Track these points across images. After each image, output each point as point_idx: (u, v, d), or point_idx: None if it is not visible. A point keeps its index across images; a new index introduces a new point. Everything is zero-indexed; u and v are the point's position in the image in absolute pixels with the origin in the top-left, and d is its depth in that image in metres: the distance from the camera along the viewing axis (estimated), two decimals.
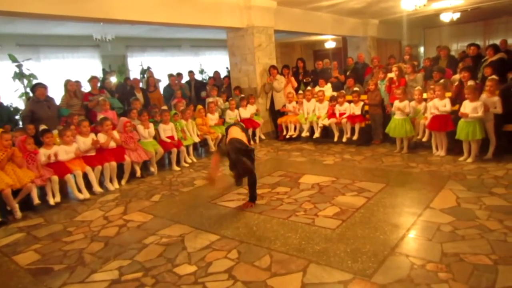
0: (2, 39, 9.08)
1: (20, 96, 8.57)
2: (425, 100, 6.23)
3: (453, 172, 5.03)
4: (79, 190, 5.07)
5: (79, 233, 3.98)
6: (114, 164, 5.51)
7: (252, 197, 4.38)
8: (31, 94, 6.84)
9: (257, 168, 5.99)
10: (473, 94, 5.28)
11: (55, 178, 4.87)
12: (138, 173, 5.91)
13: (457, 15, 11.79)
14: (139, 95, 7.46)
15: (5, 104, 6.79)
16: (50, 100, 6.26)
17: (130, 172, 5.84)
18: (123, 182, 5.68)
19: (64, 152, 5.14)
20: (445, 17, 11.84)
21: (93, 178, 5.27)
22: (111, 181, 5.51)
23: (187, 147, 6.68)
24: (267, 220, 3.91)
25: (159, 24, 7.34)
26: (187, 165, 6.50)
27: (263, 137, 8.31)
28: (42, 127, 5.50)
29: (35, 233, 4.06)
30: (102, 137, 5.62)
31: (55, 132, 5.47)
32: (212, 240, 3.52)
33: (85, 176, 5.23)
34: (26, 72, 8.59)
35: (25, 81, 8.55)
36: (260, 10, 8.28)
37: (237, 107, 8.01)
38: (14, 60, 8.42)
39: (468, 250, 2.96)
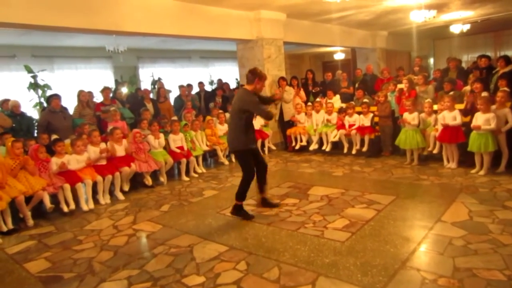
0: (18, 50, 9.33)
1: (35, 106, 8.75)
2: (436, 112, 6.20)
3: (465, 185, 4.97)
4: (86, 200, 5.11)
5: (89, 241, 4.01)
6: (127, 169, 5.58)
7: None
8: (45, 104, 6.97)
9: None
10: (486, 105, 5.24)
11: (67, 186, 4.94)
12: (149, 182, 5.95)
13: (467, 27, 11.75)
14: (149, 106, 7.55)
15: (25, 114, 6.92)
16: (64, 110, 6.38)
17: (139, 181, 5.88)
18: (126, 188, 5.74)
19: (75, 161, 5.22)
20: (455, 29, 11.81)
21: (102, 188, 5.32)
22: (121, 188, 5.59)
23: (196, 157, 6.71)
24: (276, 231, 3.90)
25: (170, 36, 7.47)
26: (196, 175, 6.53)
27: (272, 147, 8.32)
28: (54, 136, 5.59)
29: (46, 241, 4.11)
30: (109, 146, 5.68)
31: (67, 141, 5.55)
32: (220, 251, 3.52)
33: (96, 185, 5.30)
34: (41, 83, 8.78)
35: (40, 91, 8.74)
36: (270, 22, 8.37)
37: None
38: (29, 71, 8.62)
39: (481, 265, 2.91)
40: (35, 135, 6.25)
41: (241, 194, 4.33)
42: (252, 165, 4.30)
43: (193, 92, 9.42)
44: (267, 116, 4.43)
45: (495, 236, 3.38)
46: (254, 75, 4.17)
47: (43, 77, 8.79)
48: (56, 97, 6.21)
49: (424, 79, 7.06)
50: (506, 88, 5.62)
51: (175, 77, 12.00)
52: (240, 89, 4.32)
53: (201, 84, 9.80)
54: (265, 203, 4.62)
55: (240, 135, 4.21)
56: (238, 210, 4.37)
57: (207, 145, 7.10)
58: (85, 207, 5.03)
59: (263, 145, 8.08)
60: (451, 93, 6.23)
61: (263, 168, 4.47)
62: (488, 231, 3.49)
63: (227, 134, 4.59)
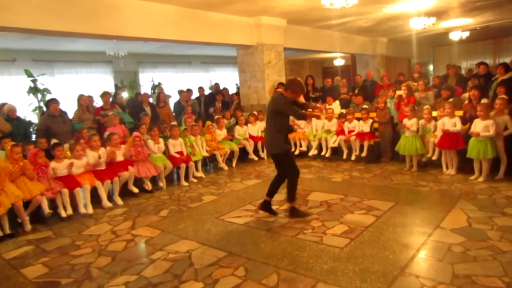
0: (18, 54, 9.36)
1: (34, 110, 8.76)
2: (435, 118, 6.21)
3: (464, 191, 4.97)
4: (85, 205, 5.08)
5: (87, 247, 3.99)
6: (126, 174, 5.57)
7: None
8: (44, 109, 6.96)
9: (265, 184, 6.01)
10: (485, 112, 5.25)
11: (65, 191, 4.92)
12: (149, 187, 5.95)
13: (466, 34, 11.83)
14: (147, 109, 7.56)
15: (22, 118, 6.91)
16: (64, 115, 6.38)
17: (138, 186, 5.88)
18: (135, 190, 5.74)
19: (74, 166, 5.20)
20: (455, 36, 11.88)
21: (103, 193, 5.31)
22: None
23: (195, 162, 6.71)
24: (274, 237, 3.89)
25: (170, 41, 7.50)
26: (195, 180, 6.52)
27: None
28: (54, 141, 5.59)
29: (44, 246, 4.09)
30: (108, 151, 5.67)
31: (66, 146, 5.55)
32: (219, 257, 3.50)
33: (95, 190, 5.28)
34: (41, 87, 8.79)
35: (39, 96, 8.75)
36: (270, 28, 8.41)
37: (246, 123, 8.04)
38: (29, 75, 8.64)
39: (480, 271, 2.90)
40: (33, 139, 6.23)
41: (292, 194, 4.40)
42: (295, 163, 4.43)
43: (193, 97, 9.44)
44: (301, 116, 4.58)
45: (494, 243, 3.38)
46: (289, 86, 4.34)
47: (43, 81, 8.80)
48: (55, 101, 6.21)
49: (424, 85, 7.07)
50: (504, 96, 5.64)
51: (176, 82, 12.03)
52: (275, 93, 4.47)
53: (201, 89, 9.82)
54: (266, 207, 4.52)
55: (277, 137, 4.33)
56: (294, 211, 4.42)
57: (206, 151, 7.10)
58: (83, 210, 5.00)
59: (262, 150, 8.07)
60: (451, 99, 6.24)
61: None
62: (487, 238, 3.48)
63: (266, 137, 4.64)
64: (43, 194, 4.73)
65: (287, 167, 4.40)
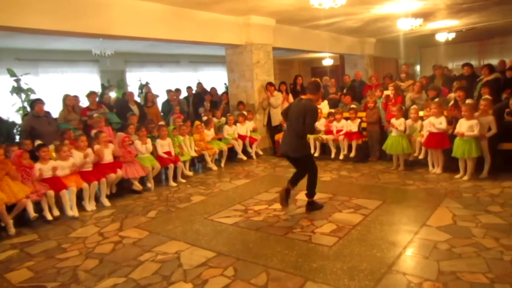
0: (1, 53, 9.15)
1: (18, 111, 8.60)
2: (422, 118, 6.29)
3: (449, 189, 5.04)
4: (71, 207, 5.00)
5: (73, 249, 3.93)
6: (113, 175, 5.51)
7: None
8: (28, 109, 6.83)
9: (254, 184, 6.03)
10: (470, 112, 5.34)
11: (51, 193, 4.83)
12: (139, 187, 5.89)
13: (452, 35, 12.03)
14: (134, 108, 7.49)
15: (4, 118, 6.78)
16: (49, 115, 6.26)
17: (126, 187, 5.82)
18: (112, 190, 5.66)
19: (59, 167, 5.10)
20: (441, 37, 12.06)
21: (88, 195, 5.23)
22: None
23: (184, 162, 6.68)
24: (264, 237, 3.89)
25: (159, 40, 7.43)
26: (184, 181, 6.48)
27: (260, 152, 8.32)
28: (38, 142, 5.48)
29: (29, 250, 4.00)
30: (96, 149, 5.59)
31: (51, 147, 5.45)
32: (208, 257, 3.49)
33: (81, 191, 5.21)
34: (24, 87, 8.63)
35: (23, 96, 8.59)
36: (259, 27, 8.42)
37: (235, 123, 8.04)
38: (12, 74, 8.47)
39: (465, 268, 2.96)
40: (17, 140, 6.10)
41: (313, 191, 4.58)
42: (314, 161, 4.70)
43: (181, 96, 9.39)
44: (313, 131, 4.93)
45: (478, 240, 3.44)
46: (318, 88, 4.48)
47: (26, 81, 8.64)
48: (40, 101, 6.10)
49: (420, 86, 7.13)
50: (488, 96, 5.74)
51: (164, 82, 11.94)
52: (305, 99, 4.44)
53: (189, 88, 9.77)
54: (287, 194, 4.60)
55: (301, 142, 4.52)
56: (312, 205, 4.59)
57: (195, 151, 7.06)
58: (70, 213, 4.91)
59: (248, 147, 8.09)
60: (437, 99, 6.33)
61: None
62: (472, 235, 3.55)
63: (285, 139, 4.64)
64: (28, 197, 4.63)
65: (308, 168, 4.57)
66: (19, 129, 6.71)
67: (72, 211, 4.97)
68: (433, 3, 8.05)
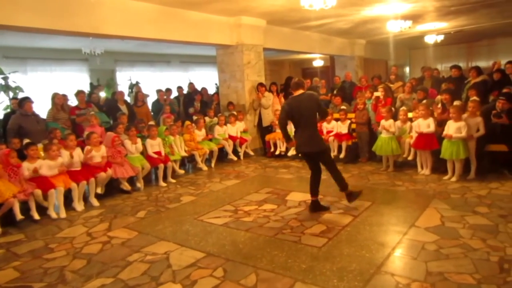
0: None
1: (5, 109, 8.46)
2: (411, 119, 6.36)
3: (437, 191, 5.10)
4: (58, 208, 4.93)
5: (61, 250, 3.88)
6: (103, 175, 5.45)
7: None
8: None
9: (244, 184, 6.03)
10: (458, 114, 5.41)
11: (38, 192, 4.76)
12: (128, 187, 5.84)
13: (441, 37, 12.17)
14: (123, 108, 7.43)
15: None
16: (37, 114, 6.19)
17: (115, 187, 5.76)
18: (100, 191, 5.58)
19: (47, 167, 5.02)
20: (430, 39, 12.20)
21: (76, 195, 5.17)
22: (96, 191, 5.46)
23: (175, 161, 6.65)
24: (253, 237, 3.89)
25: (149, 40, 7.38)
26: (174, 181, 6.45)
27: (251, 153, 8.32)
28: (26, 141, 5.40)
29: (15, 250, 3.94)
30: (87, 151, 5.53)
31: (40, 145, 5.37)
32: (197, 258, 3.48)
33: (69, 191, 5.15)
34: (12, 85, 8.50)
35: (11, 94, 8.46)
36: (250, 28, 8.41)
37: (226, 123, 8.03)
38: (0, 72, 8.34)
39: (452, 269, 2.99)
40: (3, 138, 6.01)
41: (344, 183, 4.53)
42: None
43: (172, 96, 9.34)
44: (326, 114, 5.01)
45: (466, 240, 3.49)
46: (303, 82, 4.53)
47: (14, 79, 8.52)
48: (29, 100, 6.03)
49: (410, 86, 7.19)
50: (476, 98, 5.82)
51: (154, 81, 11.86)
52: (306, 93, 4.42)
53: (180, 88, 9.73)
54: (316, 206, 4.56)
55: (319, 135, 4.56)
56: (352, 195, 4.56)
57: (185, 151, 7.03)
58: (53, 215, 4.82)
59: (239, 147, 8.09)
60: (425, 101, 6.40)
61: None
62: (459, 236, 3.59)
63: (304, 138, 4.41)
64: (15, 196, 4.56)
65: (328, 161, 4.54)
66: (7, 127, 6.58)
67: (60, 212, 4.89)
68: (422, 6, 8.14)
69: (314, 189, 4.55)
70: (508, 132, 5.38)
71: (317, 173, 4.58)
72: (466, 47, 15.20)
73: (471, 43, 14.80)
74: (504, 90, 5.97)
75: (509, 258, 3.10)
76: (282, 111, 4.50)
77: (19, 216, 4.55)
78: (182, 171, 6.86)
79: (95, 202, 5.35)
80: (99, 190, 5.54)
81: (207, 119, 8.08)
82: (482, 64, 12.37)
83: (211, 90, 11.06)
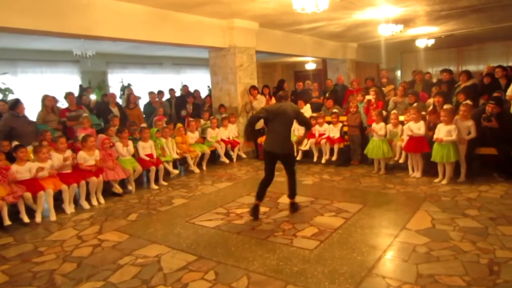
0: None
1: None
2: (402, 122, 6.41)
3: (428, 193, 5.14)
4: (48, 211, 4.87)
5: (50, 253, 3.83)
6: (94, 179, 5.39)
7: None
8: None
9: (236, 187, 6.02)
10: (448, 117, 5.47)
11: (28, 194, 4.70)
12: (119, 190, 5.79)
13: (431, 41, 12.31)
14: (114, 110, 7.38)
15: None
16: (26, 116, 6.13)
17: (107, 190, 5.71)
18: (98, 200, 5.53)
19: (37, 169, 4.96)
20: (421, 43, 12.33)
21: (67, 197, 5.11)
22: (89, 197, 5.39)
23: (167, 162, 6.62)
24: (245, 240, 3.88)
25: (141, 42, 7.36)
26: (165, 183, 6.41)
27: (243, 155, 8.31)
28: (15, 143, 5.33)
29: (4, 253, 3.89)
30: (80, 156, 5.47)
31: (30, 148, 5.31)
32: (189, 261, 3.46)
33: (60, 193, 5.09)
34: (2, 86, 8.40)
35: (0, 96, 8.36)
36: (242, 31, 8.43)
37: (218, 126, 8.01)
38: None
39: (443, 271, 3.01)
40: None
41: (295, 192, 4.70)
42: None
43: (164, 99, 9.31)
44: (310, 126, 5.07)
45: (456, 243, 3.52)
46: (287, 96, 4.82)
47: (4, 81, 8.41)
48: (21, 102, 5.99)
49: (403, 90, 7.24)
50: (468, 102, 5.89)
51: (146, 84, 11.80)
52: (288, 103, 4.69)
53: (172, 91, 9.69)
54: (256, 210, 4.54)
55: (291, 141, 4.77)
56: (295, 206, 4.72)
57: (177, 153, 7.00)
58: (38, 219, 4.75)
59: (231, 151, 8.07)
60: (415, 104, 6.46)
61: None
62: (449, 238, 3.62)
63: (277, 139, 4.49)
64: (3, 199, 4.49)
65: (292, 167, 4.64)
66: None
67: (50, 215, 4.83)
68: (413, 10, 8.23)
69: (260, 193, 4.53)
70: (497, 135, 5.45)
71: (270, 178, 4.57)
72: (456, 51, 15.38)
73: (461, 47, 14.98)
74: (495, 94, 6.06)
75: (499, 261, 3.14)
76: (260, 112, 4.66)
77: (7, 221, 4.48)
78: (176, 171, 6.86)
79: (85, 205, 5.30)
80: (101, 200, 5.51)
81: (201, 121, 8.07)
82: (472, 68, 12.53)
83: (203, 93, 11.03)
